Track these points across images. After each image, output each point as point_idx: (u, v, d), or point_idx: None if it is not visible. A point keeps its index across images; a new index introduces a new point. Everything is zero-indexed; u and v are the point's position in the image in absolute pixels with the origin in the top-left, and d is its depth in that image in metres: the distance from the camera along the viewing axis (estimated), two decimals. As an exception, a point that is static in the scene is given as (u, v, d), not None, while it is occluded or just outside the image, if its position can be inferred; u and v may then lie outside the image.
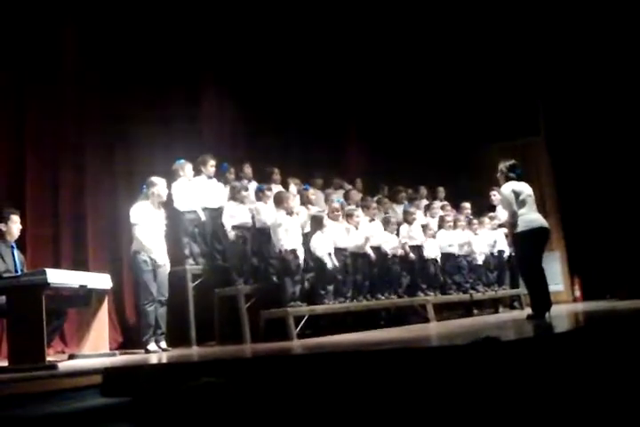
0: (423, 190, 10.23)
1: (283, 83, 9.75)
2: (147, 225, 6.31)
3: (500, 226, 9.49)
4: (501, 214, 9.35)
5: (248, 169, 8.05)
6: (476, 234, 9.65)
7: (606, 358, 3.82)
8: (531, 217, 6.19)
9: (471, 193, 10.65)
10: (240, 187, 7.26)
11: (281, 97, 9.69)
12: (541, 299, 6.16)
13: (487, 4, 11.20)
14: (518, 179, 6.37)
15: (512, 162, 6.48)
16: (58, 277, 5.19)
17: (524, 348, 3.55)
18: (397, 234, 8.61)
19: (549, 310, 6.11)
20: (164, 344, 6.29)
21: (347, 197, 8.77)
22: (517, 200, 6.22)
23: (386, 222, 8.41)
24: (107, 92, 7.74)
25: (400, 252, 8.42)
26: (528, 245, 6.21)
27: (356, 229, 7.92)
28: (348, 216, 7.92)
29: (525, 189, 6.32)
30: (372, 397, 3.34)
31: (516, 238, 6.36)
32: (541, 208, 10.35)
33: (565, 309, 8.50)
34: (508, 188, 6.29)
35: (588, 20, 11.03)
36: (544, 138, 12.37)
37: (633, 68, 11.02)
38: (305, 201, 7.81)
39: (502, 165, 6.47)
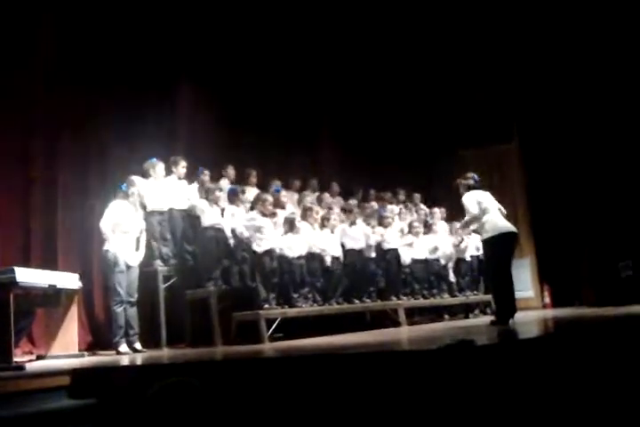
0: (401, 195, 10.29)
1: (258, 85, 9.72)
2: (120, 225, 6.24)
3: (475, 231, 9.55)
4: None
5: (231, 170, 8.03)
6: (452, 239, 9.74)
7: (573, 364, 3.87)
8: (495, 222, 6.22)
9: (444, 199, 10.72)
10: (214, 188, 7.25)
11: (256, 100, 9.66)
12: (506, 305, 6.18)
13: (462, 13, 11.31)
14: (479, 186, 6.45)
15: (467, 174, 6.66)
16: (27, 276, 5.12)
17: (495, 353, 3.57)
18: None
19: (513, 317, 6.13)
20: (138, 345, 6.22)
21: (319, 199, 8.80)
22: (480, 207, 6.29)
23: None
24: (81, 90, 7.62)
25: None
26: (496, 250, 6.24)
27: (332, 232, 7.94)
28: (325, 220, 7.93)
29: (487, 197, 6.41)
30: (345, 400, 3.34)
31: (485, 244, 6.41)
32: (512, 215, 10.50)
33: (535, 315, 8.58)
34: (470, 197, 6.38)
35: (559, 31, 11.18)
36: (517, 145, 12.50)
37: (605, 78, 11.20)
38: (276, 204, 7.81)
39: (458, 180, 6.63)
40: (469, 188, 6.46)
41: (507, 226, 6.25)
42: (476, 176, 6.59)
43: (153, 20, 8.44)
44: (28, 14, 7.23)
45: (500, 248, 6.20)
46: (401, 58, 11.67)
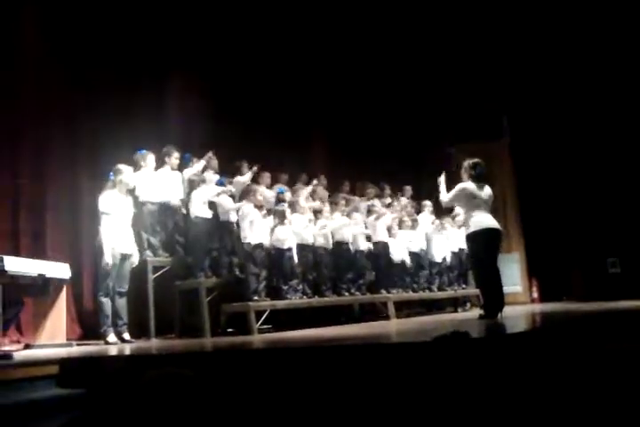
0: (387, 189, 10.30)
1: (251, 79, 9.70)
2: (115, 215, 6.21)
3: (462, 225, 9.58)
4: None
5: (214, 160, 7.96)
6: (440, 233, 9.77)
7: (560, 358, 3.90)
8: (480, 218, 6.23)
9: (434, 193, 10.72)
10: (199, 180, 7.22)
11: (249, 94, 9.64)
12: (494, 299, 6.19)
13: (452, 10, 11.31)
14: (478, 178, 6.42)
15: (475, 160, 6.53)
16: (15, 265, 5.10)
17: (483, 346, 3.59)
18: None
19: (502, 311, 6.14)
20: (127, 336, 6.19)
21: (313, 193, 8.79)
22: (471, 202, 6.31)
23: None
24: (71, 79, 7.56)
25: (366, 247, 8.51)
26: (478, 246, 6.27)
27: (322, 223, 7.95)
28: (317, 212, 7.94)
29: (483, 193, 6.37)
30: (335, 392, 3.34)
31: (467, 239, 6.45)
32: (502, 210, 10.54)
33: (523, 309, 8.63)
34: (463, 186, 6.37)
35: (549, 28, 11.21)
36: (508, 141, 12.54)
37: (594, 74, 11.25)
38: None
39: (466, 163, 6.54)
40: (471, 177, 6.43)
41: (488, 222, 6.23)
42: (480, 167, 6.43)
43: (145, 8, 8.38)
44: (14, 4, 7.16)
45: (480, 244, 6.21)
46: (392, 54, 11.67)
